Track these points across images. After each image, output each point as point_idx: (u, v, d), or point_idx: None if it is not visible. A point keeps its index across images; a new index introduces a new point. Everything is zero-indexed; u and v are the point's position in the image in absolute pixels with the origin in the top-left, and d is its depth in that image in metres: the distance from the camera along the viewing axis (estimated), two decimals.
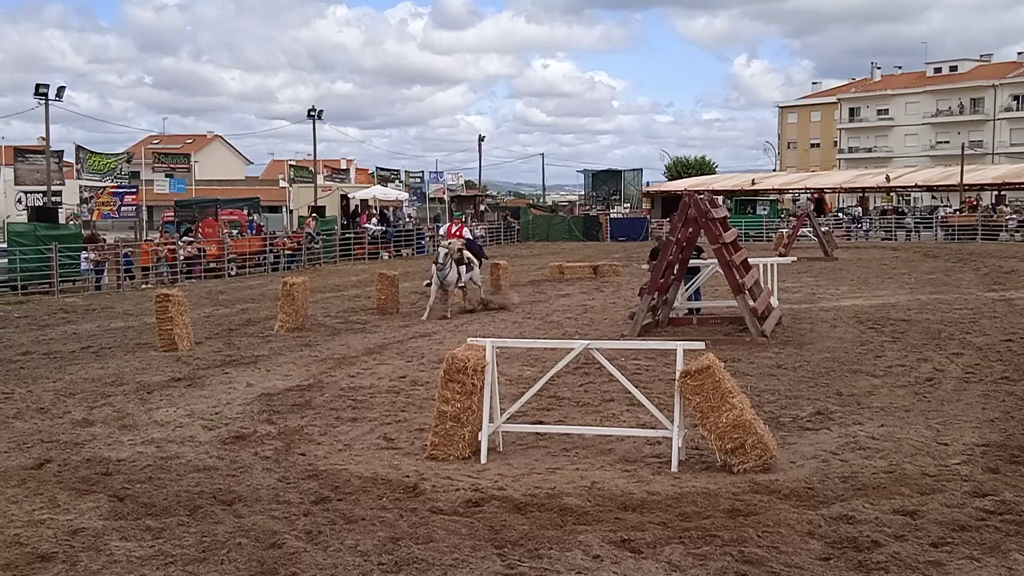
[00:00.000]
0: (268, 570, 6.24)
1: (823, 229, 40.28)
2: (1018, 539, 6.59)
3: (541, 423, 10.21)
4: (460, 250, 20.48)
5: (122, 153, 43.73)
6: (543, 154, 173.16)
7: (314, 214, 42.24)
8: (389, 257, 41.35)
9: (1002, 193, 57.22)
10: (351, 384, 12.90)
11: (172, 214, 38.85)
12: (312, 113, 49.48)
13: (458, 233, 22.13)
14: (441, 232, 23.83)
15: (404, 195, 55.15)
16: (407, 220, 50.60)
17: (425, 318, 19.46)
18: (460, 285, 20.67)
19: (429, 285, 20.36)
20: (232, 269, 33.07)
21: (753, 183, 63.31)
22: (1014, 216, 50.97)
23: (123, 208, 38.04)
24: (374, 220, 45.97)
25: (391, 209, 51.85)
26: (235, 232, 35.90)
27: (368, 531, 6.95)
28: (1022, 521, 6.93)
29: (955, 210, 54.88)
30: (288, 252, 36.53)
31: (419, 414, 10.82)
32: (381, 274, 21.89)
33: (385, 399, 11.88)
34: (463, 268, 20.48)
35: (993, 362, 13.58)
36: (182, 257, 31.61)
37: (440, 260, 19.98)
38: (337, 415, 11.04)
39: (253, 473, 8.61)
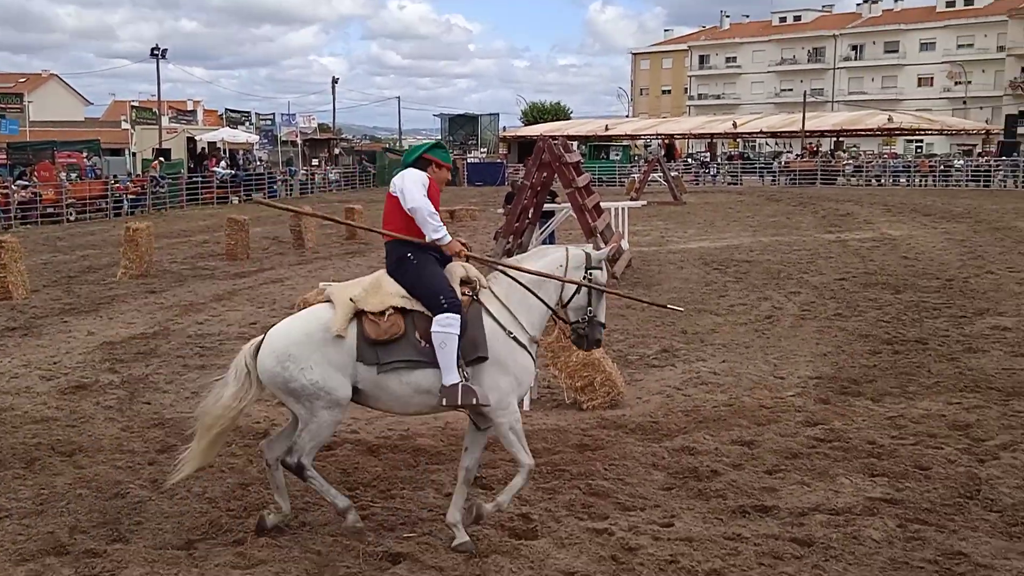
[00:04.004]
0: (111, 520, 6.07)
1: (673, 174, 41.40)
2: (844, 464, 7.00)
3: None
4: None
5: None
6: (399, 98, 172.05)
7: (160, 157, 40.62)
8: (239, 202, 40.20)
9: (840, 139, 59.97)
10: (199, 331, 12.58)
11: (4, 157, 36.71)
12: (156, 52, 47.45)
13: None
14: None
15: (255, 138, 53.65)
16: (258, 164, 49.26)
17: None
18: None
19: None
20: (71, 214, 31.56)
21: (607, 129, 64.45)
22: (851, 161, 53.52)
23: None
24: (223, 164, 44.58)
25: (241, 152, 50.40)
26: (74, 176, 34.27)
27: (217, 478, 6.83)
28: (849, 448, 7.37)
29: (797, 156, 57.17)
30: (131, 197, 35.08)
31: None
32: (230, 219, 21.37)
33: (235, 346, 11.54)
34: None
35: (827, 300, 14.29)
36: (16, 202, 29.97)
37: None
38: (184, 363, 10.78)
39: (95, 423, 8.34)
